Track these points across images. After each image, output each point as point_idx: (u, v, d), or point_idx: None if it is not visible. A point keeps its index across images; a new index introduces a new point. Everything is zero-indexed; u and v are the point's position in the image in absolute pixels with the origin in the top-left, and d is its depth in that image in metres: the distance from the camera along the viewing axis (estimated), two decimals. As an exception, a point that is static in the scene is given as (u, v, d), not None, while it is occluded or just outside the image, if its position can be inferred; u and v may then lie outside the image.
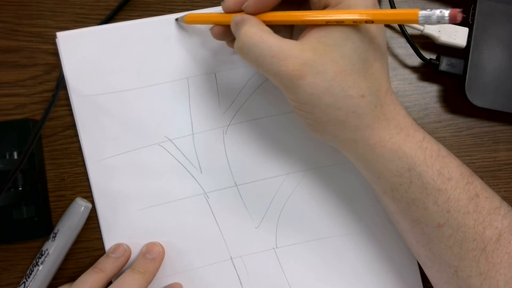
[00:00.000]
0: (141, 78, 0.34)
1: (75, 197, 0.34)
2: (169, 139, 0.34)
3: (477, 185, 0.28)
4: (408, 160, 0.27)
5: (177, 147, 0.34)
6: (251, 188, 0.34)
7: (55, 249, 0.32)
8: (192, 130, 0.34)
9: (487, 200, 0.27)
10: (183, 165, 0.34)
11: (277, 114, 0.35)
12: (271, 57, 0.25)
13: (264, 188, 0.34)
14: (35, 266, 0.32)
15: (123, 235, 0.34)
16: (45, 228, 0.33)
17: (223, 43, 0.34)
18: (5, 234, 0.33)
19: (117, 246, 0.33)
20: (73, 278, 0.32)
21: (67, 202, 0.34)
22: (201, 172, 0.34)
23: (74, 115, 0.34)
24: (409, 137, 0.27)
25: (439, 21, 0.22)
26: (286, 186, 0.35)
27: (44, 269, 0.32)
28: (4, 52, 0.34)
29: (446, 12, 0.22)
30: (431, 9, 0.23)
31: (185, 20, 0.32)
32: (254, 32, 0.26)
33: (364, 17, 0.24)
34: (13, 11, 0.34)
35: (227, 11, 0.29)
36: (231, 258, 0.34)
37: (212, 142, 0.34)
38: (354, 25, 0.25)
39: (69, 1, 0.35)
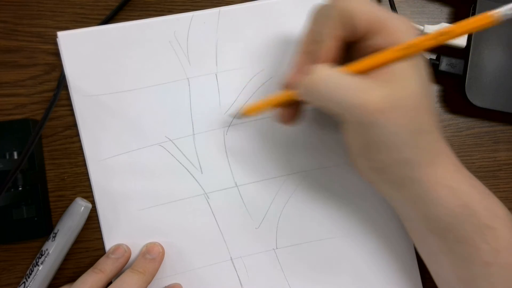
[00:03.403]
0: (142, 78, 0.34)
1: (75, 197, 0.34)
2: (170, 140, 0.34)
3: None
4: (463, 198, 0.26)
5: (177, 148, 0.34)
6: (252, 188, 0.34)
7: (55, 249, 0.32)
8: (193, 130, 0.34)
9: None
10: (183, 166, 0.34)
11: (278, 114, 0.35)
12: (351, 89, 0.25)
13: (265, 189, 0.34)
14: (35, 266, 0.32)
15: (124, 235, 0.34)
16: (45, 228, 0.33)
17: (223, 43, 0.34)
18: (5, 234, 0.33)
19: (117, 247, 0.33)
20: (73, 278, 0.32)
21: (67, 202, 0.34)
22: (202, 173, 0.34)
23: (75, 115, 0.34)
24: (462, 174, 0.27)
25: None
26: (286, 187, 0.35)
27: (44, 269, 0.32)
28: (4, 52, 0.34)
29: None
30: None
31: (244, 114, 0.32)
32: (329, 68, 0.25)
33: (446, 36, 0.24)
34: (13, 11, 0.34)
35: (288, 85, 0.28)
36: (231, 259, 0.34)
37: (212, 143, 0.34)
38: (416, 58, 0.25)
39: (69, 1, 0.35)
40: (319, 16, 0.27)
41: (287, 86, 0.29)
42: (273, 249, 0.35)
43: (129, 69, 0.34)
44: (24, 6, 0.34)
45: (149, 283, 0.32)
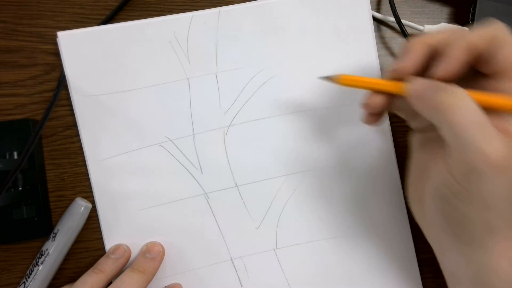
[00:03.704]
0: (142, 78, 0.34)
1: (75, 197, 0.34)
2: (170, 140, 0.34)
3: None
4: None
5: (177, 148, 0.34)
6: (252, 188, 0.34)
7: (55, 249, 0.32)
8: (193, 130, 0.34)
9: None
10: (183, 166, 0.34)
11: (278, 115, 0.35)
12: (482, 132, 0.22)
13: (265, 189, 0.34)
14: (35, 266, 0.32)
15: (124, 235, 0.34)
16: (45, 228, 0.33)
17: (223, 43, 0.34)
18: (5, 234, 0.33)
19: (117, 247, 0.33)
20: (73, 278, 0.32)
21: (67, 202, 0.34)
22: (202, 173, 0.34)
23: (75, 115, 0.34)
24: None
25: None
26: (286, 187, 0.35)
27: (44, 269, 0.32)
28: (4, 52, 0.34)
29: None
30: None
31: (339, 82, 0.28)
32: (469, 96, 0.23)
33: None
34: (13, 11, 0.34)
35: (398, 75, 0.26)
36: (231, 259, 0.34)
37: (212, 143, 0.34)
38: None
39: (69, 1, 0.35)
40: (467, 30, 0.26)
41: (396, 72, 0.26)
42: (273, 249, 0.35)
43: (129, 69, 0.34)
44: (24, 6, 0.34)
45: (149, 282, 0.32)
